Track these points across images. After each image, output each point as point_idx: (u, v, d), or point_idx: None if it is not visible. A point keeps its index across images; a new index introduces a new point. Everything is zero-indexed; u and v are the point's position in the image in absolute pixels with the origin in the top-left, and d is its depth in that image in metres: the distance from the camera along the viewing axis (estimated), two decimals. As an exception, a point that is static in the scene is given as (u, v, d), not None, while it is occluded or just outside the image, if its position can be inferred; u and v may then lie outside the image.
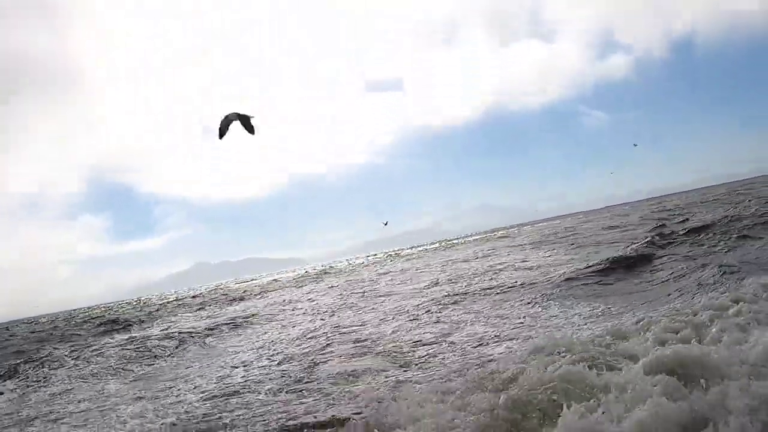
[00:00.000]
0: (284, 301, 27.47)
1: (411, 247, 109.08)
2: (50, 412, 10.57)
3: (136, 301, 66.67)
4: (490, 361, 8.41)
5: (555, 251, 26.03)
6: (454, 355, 9.63)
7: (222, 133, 7.66)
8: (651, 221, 31.94)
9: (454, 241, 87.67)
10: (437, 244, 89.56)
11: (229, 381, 10.46)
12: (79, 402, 11.06)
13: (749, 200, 31.11)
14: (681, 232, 21.23)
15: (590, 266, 17.24)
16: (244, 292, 40.55)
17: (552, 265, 20.34)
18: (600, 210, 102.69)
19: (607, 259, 17.67)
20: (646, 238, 21.50)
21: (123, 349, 17.70)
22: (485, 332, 11.07)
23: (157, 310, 35.32)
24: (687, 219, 27.86)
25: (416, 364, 9.47)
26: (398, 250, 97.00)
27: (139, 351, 16.48)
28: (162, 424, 8.13)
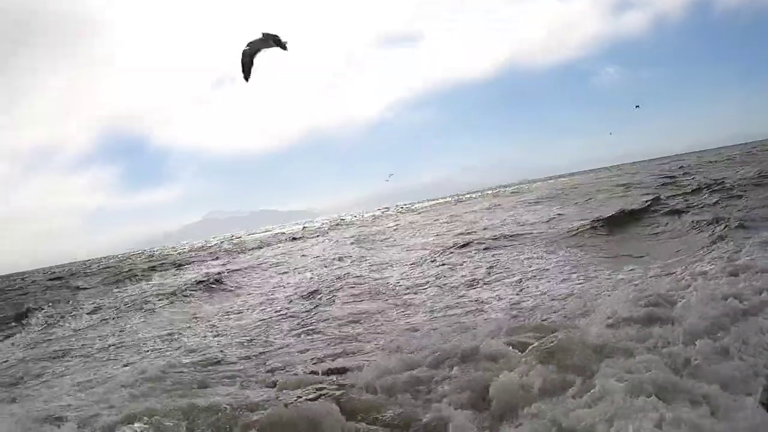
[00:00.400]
0: (296, 250, 28.20)
1: (421, 202, 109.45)
2: (82, 346, 11.31)
3: (150, 251, 67.72)
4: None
5: (563, 205, 26.39)
6: (449, 297, 10.52)
7: (246, 70, 6.34)
8: (662, 178, 32.12)
9: (466, 196, 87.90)
10: (449, 199, 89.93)
11: (243, 322, 11.23)
12: (108, 337, 11.83)
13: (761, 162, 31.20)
14: (690, 189, 21.53)
15: (595, 219, 17.58)
16: (258, 242, 41.32)
17: (557, 219, 20.80)
18: (612, 167, 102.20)
19: (619, 211, 18.07)
20: (654, 194, 21.76)
21: (145, 293, 18.56)
22: (475, 276, 12.01)
23: (174, 260, 36.20)
24: (697, 176, 28.06)
25: (413, 305, 10.38)
26: (409, 204, 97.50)
27: (159, 296, 17.24)
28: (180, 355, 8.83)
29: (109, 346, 10.65)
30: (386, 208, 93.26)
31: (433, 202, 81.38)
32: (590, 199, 27.49)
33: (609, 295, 8.33)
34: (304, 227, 58.06)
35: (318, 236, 37.70)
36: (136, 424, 5.32)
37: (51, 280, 36.48)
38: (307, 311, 11.36)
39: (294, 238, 38.84)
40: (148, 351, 9.69)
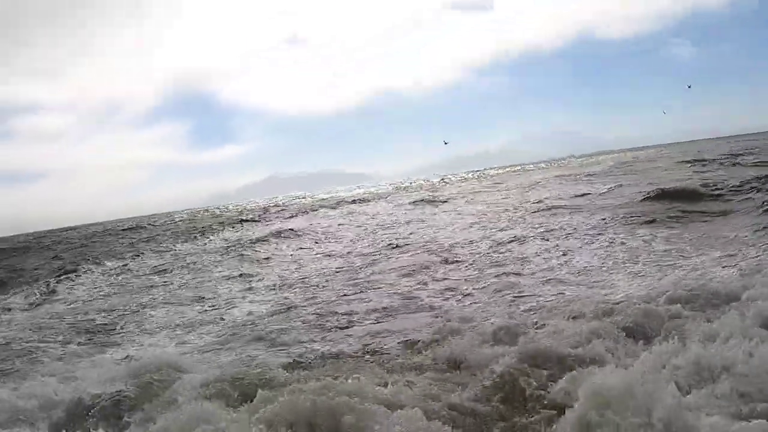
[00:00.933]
0: (360, 211, 29.45)
1: (484, 169, 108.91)
2: (171, 282, 13.24)
3: (215, 208, 69.68)
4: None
5: (618, 181, 26.28)
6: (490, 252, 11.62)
7: None
8: (726, 157, 31.61)
9: (530, 166, 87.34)
10: (509, 169, 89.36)
11: (309, 274, 12.67)
12: (193, 278, 13.67)
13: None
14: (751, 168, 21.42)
15: (645, 197, 17.74)
16: (321, 202, 42.53)
17: (607, 195, 20.86)
18: (677, 144, 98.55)
19: (664, 189, 18.16)
20: (710, 173, 21.74)
21: (217, 246, 20.47)
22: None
23: (240, 217, 37.93)
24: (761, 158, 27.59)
25: (459, 261, 11.69)
26: (475, 172, 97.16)
27: (229, 248, 19.22)
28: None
29: (192, 295, 12.17)
30: (447, 175, 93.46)
31: (499, 171, 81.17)
32: (659, 172, 27.60)
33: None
34: (368, 190, 58.92)
35: (382, 199, 38.66)
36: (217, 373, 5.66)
37: (124, 230, 39.29)
38: (365, 267, 12.69)
39: (357, 201, 39.90)
40: (226, 298, 11.14)
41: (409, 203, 30.61)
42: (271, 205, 54.85)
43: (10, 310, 12.88)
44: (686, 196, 16.68)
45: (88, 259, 21.41)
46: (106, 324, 10.18)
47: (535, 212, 18.38)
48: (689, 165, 30.25)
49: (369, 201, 38.66)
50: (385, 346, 6.68)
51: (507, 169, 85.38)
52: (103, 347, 8.46)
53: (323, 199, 47.77)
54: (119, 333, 9.37)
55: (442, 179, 70.79)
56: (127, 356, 7.55)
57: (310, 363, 6.21)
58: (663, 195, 17.29)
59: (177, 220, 46.11)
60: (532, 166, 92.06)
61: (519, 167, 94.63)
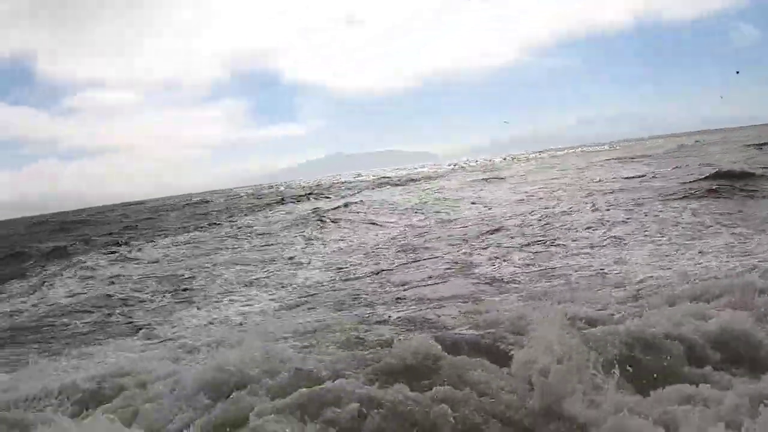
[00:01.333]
0: (424, 188, 30.49)
1: (543, 150, 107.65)
2: (240, 248, 14.92)
3: (276, 185, 70.93)
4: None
5: (677, 163, 26.02)
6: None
7: None
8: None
9: (588, 148, 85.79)
10: (568, 150, 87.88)
11: (372, 246, 13.41)
12: (263, 244, 15.36)
13: None
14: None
15: (701, 178, 17.57)
16: (383, 180, 43.44)
17: (664, 177, 20.73)
18: (749, 128, 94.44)
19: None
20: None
21: (284, 218, 22.15)
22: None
23: (303, 192, 39.60)
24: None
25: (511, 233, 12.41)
26: (534, 152, 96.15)
27: (294, 221, 20.57)
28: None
29: (262, 258, 13.32)
30: (507, 155, 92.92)
31: (558, 152, 79.95)
32: (721, 155, 27.40)
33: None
34: (429, 169, 59.31)
35: (442, 178, 39.12)
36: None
37: (187, 205, 41.39)
38: (421, 237, 13.56)
39: (419, 179, 40.46)
40: (292, 263, 12.18)
41: (469, 181, 31.27)
42: (334, 182, 55.81)
43: (94, 269, 14.45)
44: (744, 177, 16.55)
45: (159, 230, 23.36)
46: (186, 281, 11.41)
47: (588, 191, 18.81)
48: (755, 149, 29.80)
49: (431, 179, 39.38)
50: (441, 309, 6.98)
51: (566, 151, 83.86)
52: (188, 303, 9.46)
53: (385, 177, 48.52)
54: (200, 290, 10.37)
55: (502, 159, 70.65)
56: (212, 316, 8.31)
57: (374, 324, 6.58)
58: (720, 176, 17.06)
59: (242, 194, 48.07)
60: (592, 147, 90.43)
61: (579, 148, 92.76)
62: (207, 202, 42.62)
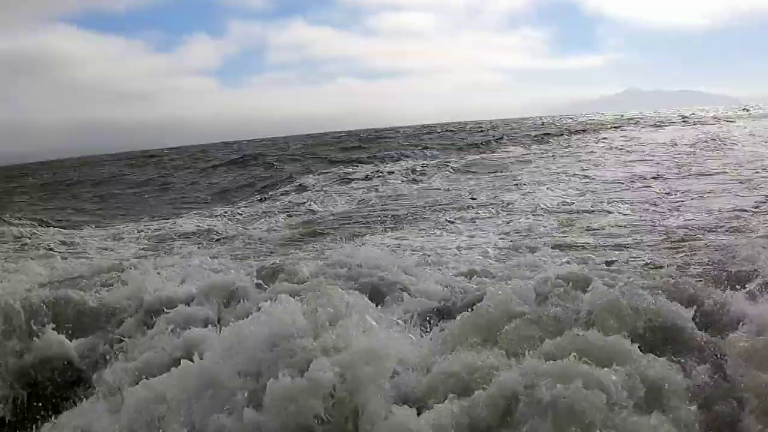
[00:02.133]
0: (708, 132, 27.14)
1: None
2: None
3: (572, 117, 69.65)
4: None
5: None
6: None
7: None
8: None
9: None
10: None
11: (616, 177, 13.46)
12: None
13: None
14: None
15: None
16: (685, 120, 40.37)
17: None
18: None
19: None
20: None
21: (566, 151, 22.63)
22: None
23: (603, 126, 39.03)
24: None
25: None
26: None
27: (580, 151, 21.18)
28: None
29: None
30: None
31: None
32: None
33: None
34: (725, 112, 52.51)
35: (732, 122, 35.07)
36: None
37: (477, 129, 43.11)
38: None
39: (709, 121, 36.70)
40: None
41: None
42: (628, 118, 53.32)
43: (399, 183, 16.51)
44: None
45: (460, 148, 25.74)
46: (469, 199, 12.36)
47: None
48: None
49: (732, 120, 35.40)
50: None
51: None
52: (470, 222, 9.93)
53: (683, 117, 44.99)
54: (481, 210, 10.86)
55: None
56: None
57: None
58: None
59: (538, 123, 49.13)
60: None
61: None
62: (495, 128, 44.08)
